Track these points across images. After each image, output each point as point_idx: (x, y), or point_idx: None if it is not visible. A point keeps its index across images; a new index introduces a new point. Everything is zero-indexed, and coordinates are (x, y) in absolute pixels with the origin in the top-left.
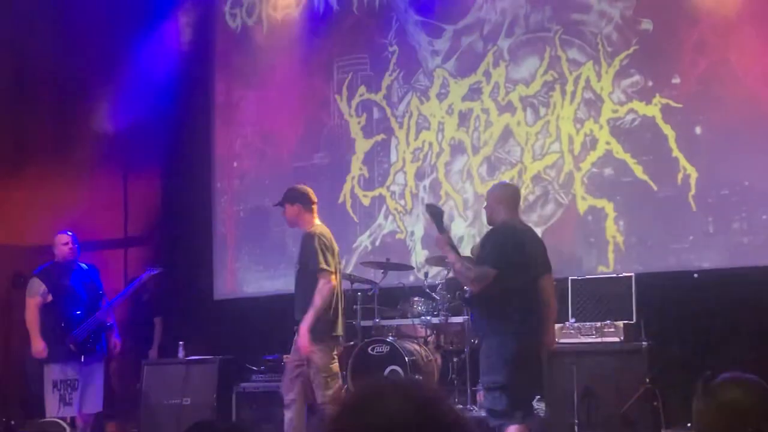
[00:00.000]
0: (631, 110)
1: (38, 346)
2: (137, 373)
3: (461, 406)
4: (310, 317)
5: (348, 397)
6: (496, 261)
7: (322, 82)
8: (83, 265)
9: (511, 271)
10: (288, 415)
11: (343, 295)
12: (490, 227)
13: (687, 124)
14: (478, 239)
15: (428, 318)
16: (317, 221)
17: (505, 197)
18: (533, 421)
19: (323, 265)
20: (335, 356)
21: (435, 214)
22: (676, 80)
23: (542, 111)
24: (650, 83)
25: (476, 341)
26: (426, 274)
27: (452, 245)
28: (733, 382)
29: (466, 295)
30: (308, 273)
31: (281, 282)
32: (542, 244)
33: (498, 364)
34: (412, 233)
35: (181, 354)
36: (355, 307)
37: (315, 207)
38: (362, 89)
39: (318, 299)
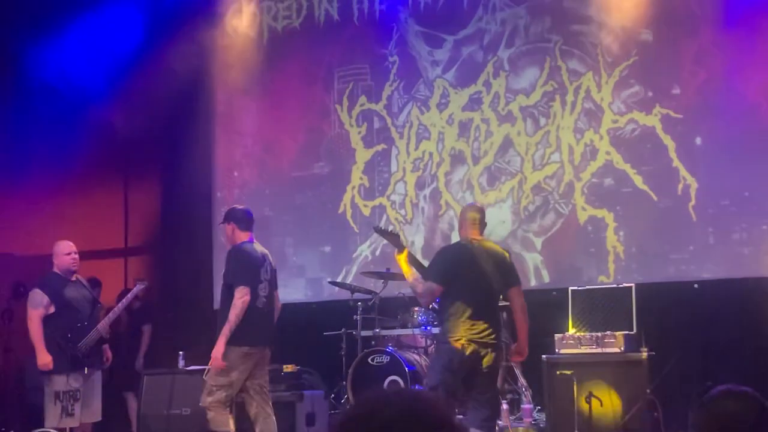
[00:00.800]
0: (631, 120)
1: (45, 359)
2: (130, 382)
3: (462, 417)
4: (226, 331)
5: (348, 409)
6: (439, 276)
7: (323, 92)
8: (81, 278)
9: (457, 285)
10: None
11: (269, 308)
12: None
13: (687, 134)
14: None
15: (428, 328)
16: (246, 239)
17: (464, 218)
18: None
19: (236, 280)
20: (235, 368)
21: (387, 234)
22: (676, 91)
23: (542, 121)
24: (650, 94)
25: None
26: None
27: (413, 261)
28: (728, 395)
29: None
30: (226, 288)
31: (281, 291)
32: (504, 260)
33: (436, 367)
34: (413, 243)
35: (181, 364)
36: (355, 317)
37: (249, 226)
38: (363, 99)
39: (232, 313)
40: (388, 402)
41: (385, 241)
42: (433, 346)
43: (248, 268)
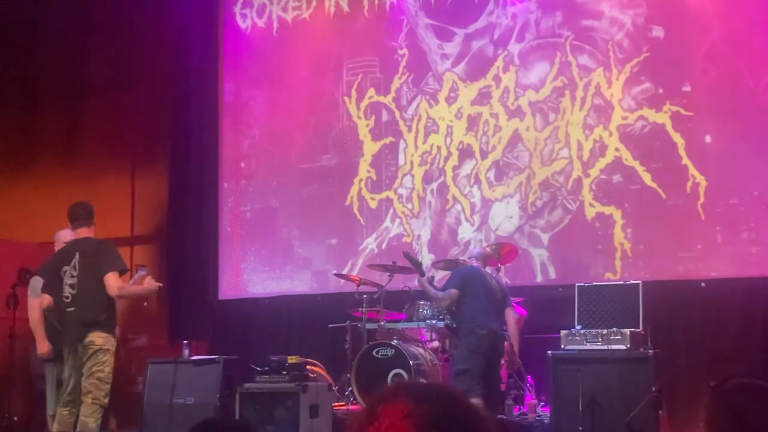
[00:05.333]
0: (641, 117)
1: (43, 348)
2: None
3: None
4: None
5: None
6: (457, 284)
7: (332, 84)
8: None
9: (473, 291)
10: None
11: (61, 313)
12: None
13: (697, 132)
14: (484, 243)
15: (433, 322)
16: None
17: (479, 255)
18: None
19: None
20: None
21: (414, 261)
22: (687, 88)
23: (551, 116)
24: (661, 90)
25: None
26: (432, 278)
27: (430, 283)
28: (744, 388)
29: (452, 325)
30: None
31: (286, 283)
32: (503, 286)
33: (464, 354)
34: (419, 237)
35: (185, 353)
36: (360, 309)
37: (71, 223)
38: (371, 92)
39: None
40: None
41: (392, 234)
42: (437, 339)
43: (45, 277)
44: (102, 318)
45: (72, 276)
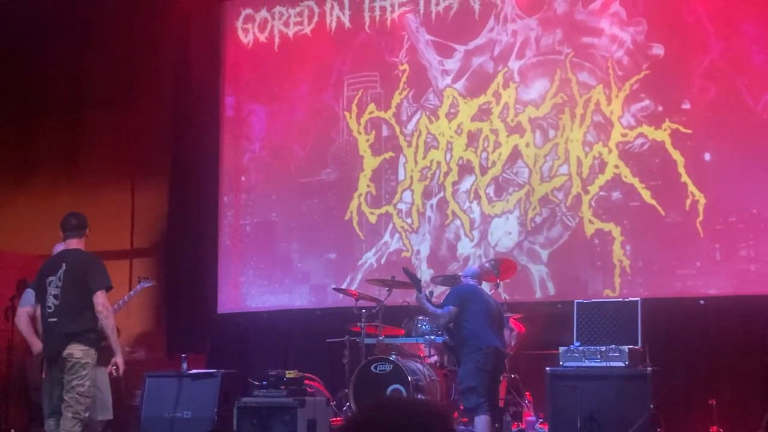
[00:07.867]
0: (641, 134)
1: (37, 346)
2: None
3: (464, 427)
4: None
5: (353, 414)
6: (456, 301)
7: (332, 99)
8: None
9: (473, 307)
10: None
11: (44, 323)
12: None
13: (696, 149)
14: (483, 259)
15: (432, 337)
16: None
17: (474, 274)
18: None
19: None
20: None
21: (413, 277)
22: (686, 106)
23: (551, 133)
24: (660, 108)
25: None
26: (431, 293)
27: (428, 300)
28: None
29: (450, 343)
30: None
31: (285, 297)
32: (499, 305)
33: (471, 372)
34: (418, 252)
35: (184, 367)
36: (359, 324)
37: (63, 234)
38: (372, 107)
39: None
40: (391, 410)
41: (392, 249)
42: (435, 355)
43: (35, 283)
44: (82, 330)
45: (56, 287)
